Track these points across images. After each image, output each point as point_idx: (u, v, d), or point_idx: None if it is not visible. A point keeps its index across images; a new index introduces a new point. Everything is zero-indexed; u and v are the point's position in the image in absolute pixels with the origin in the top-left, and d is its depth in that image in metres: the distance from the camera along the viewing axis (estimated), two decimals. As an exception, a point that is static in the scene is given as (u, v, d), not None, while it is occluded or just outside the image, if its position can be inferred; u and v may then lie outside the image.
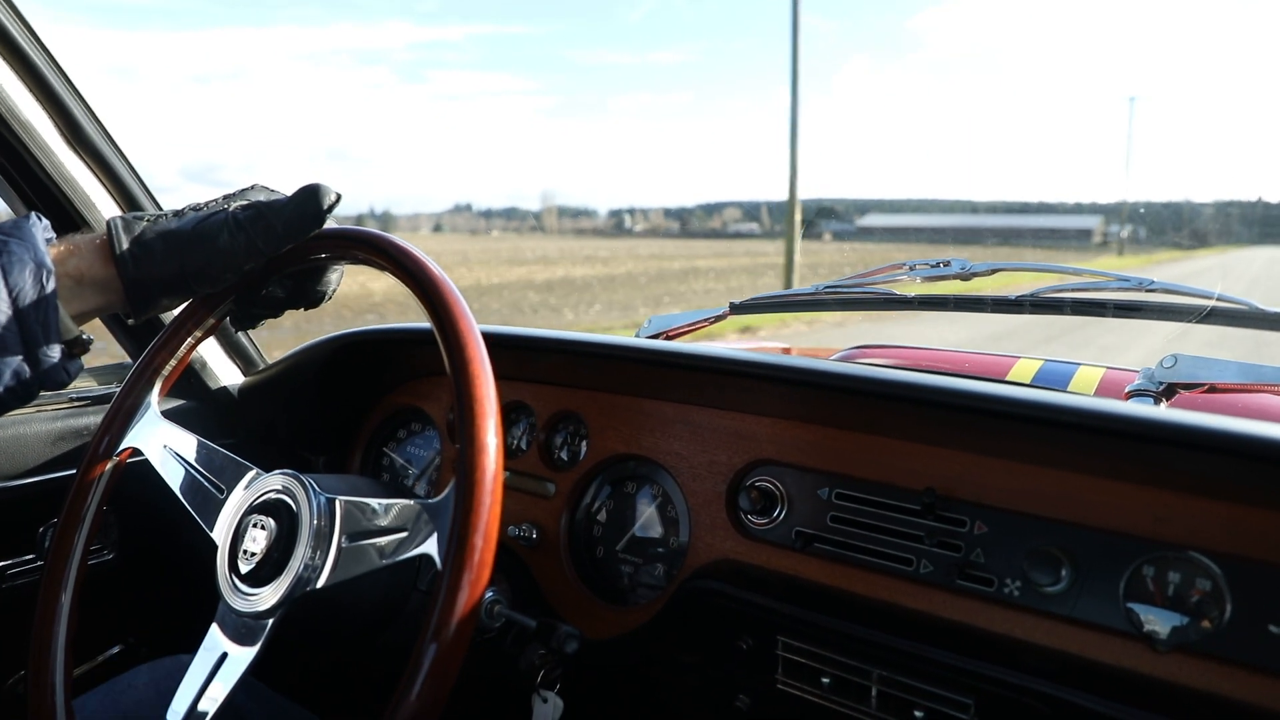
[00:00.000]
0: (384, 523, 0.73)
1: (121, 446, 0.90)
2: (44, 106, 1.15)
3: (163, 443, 0.89)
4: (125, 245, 0.76)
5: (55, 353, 0.73)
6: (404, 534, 0.72)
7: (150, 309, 0.81)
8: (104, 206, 1.23)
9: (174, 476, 0.87)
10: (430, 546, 0.70)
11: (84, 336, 0.76)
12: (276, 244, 0.80)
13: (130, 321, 0.86)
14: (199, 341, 0.93)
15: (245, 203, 0.80)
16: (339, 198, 0.81)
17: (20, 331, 0.71)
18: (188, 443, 0.88)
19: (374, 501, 0.74)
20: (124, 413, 0.91)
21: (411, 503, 0.73)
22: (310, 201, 0.79)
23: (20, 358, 0.71)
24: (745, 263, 30.40)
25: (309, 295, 0.89)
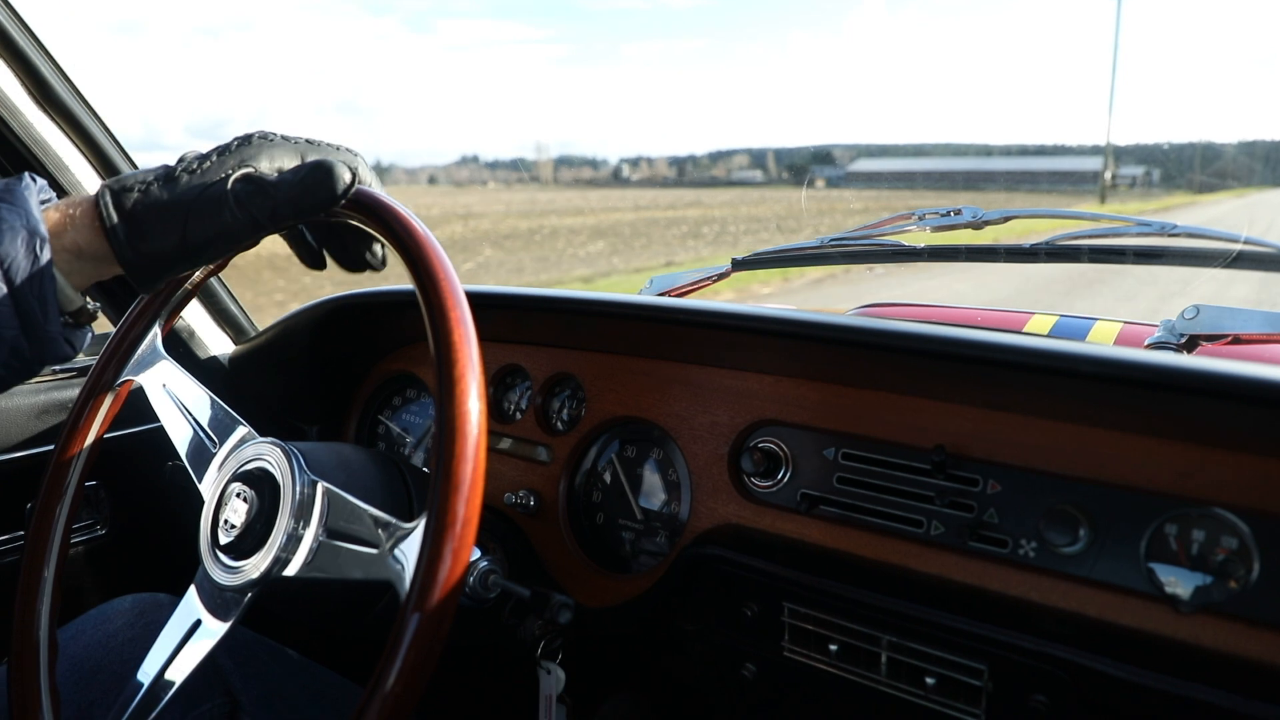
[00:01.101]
0: (362, 530, 0.70)
1: (121, 378, 0.87)
2: (9, 65, 1.10)
3: (162, 382, 0.86)
4: (116, 221, 0.70)
5: (56, 325, 0.69)
6: (377, 551, 0.69)
7: (156, 283, 0.75)
8: (77, 168, 1.19)
9: (170, 419, 0.84)
10: (401, 571, 0.66)
11: (88, 306, 0.72)
12: (280, 224, 0.73)
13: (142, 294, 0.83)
14: (215, 271, 0.88)
15: (246, 173, 0.72)
16: (354, 177, 0.72)
17: (15, 304, 0.66)
18: (186, 387, 0.85)
19: (354, 501, 0.71)
20: (128, 343, 0.87)
21: (391, 519, 0.69)
22: (322, 185, 0.71)
23: (17, 332, 0.67)
24: (629, 219, 27.92)
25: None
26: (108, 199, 0.70)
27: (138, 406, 0.89)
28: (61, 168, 1.16)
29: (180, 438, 0.83)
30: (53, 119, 1.15)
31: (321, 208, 0.73)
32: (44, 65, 1.11)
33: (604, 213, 32.34)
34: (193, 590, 0.75)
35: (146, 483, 1.26)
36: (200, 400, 0.84)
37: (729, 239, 20.21)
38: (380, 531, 0.69)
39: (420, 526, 0.66)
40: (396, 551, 0.68)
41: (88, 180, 1.19)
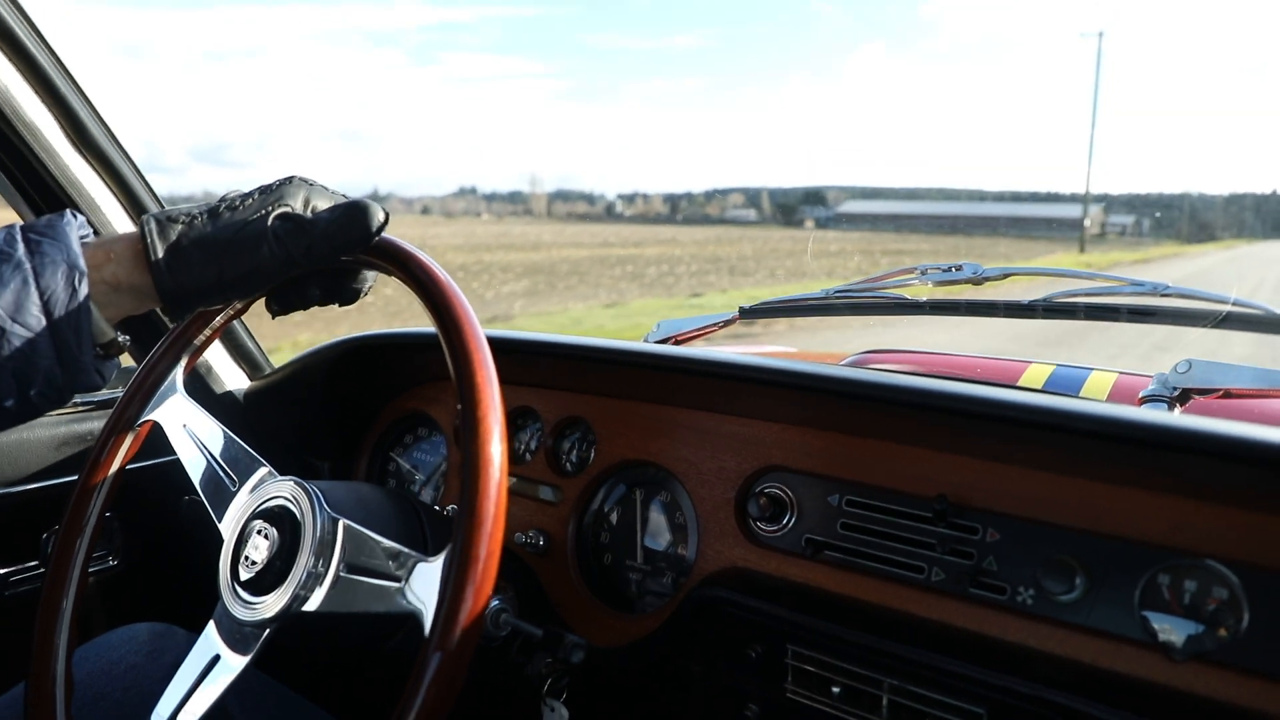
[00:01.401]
0: (382, 564, 0.72)
1: (144, 417, 0.89)
2: (49, 108, 1.14)
3: (183, 421, 0.88)
4: (160, 254, 0.73)
5: (88, 356, 0.71)
6: (397, 585, 0.71)
7: (187, 313, 0.80)
8: (109, 210, 1.22)
9: (190, 458, 0.86)
10: (421, 604, 0.68)
11: (119, 339, 0.74)
12: (315, 262, 0.77)
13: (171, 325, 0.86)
14: (237, 314, 0.90)
15: (284, 211, 0.76)
16: (388, 218, 0.77)
17: (52, 335, 0.69)
18: (206, 426, 0.87)
19: (375, 536, 0.73)
20: (151, 381, 0.89)
21: (411, 553, 0.71)
22: (357, 223, 0.76)
23: (52, 361, 0.69)
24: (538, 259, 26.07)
25: (345, 292, 0.85)
26: (153, 228, 0.73)
27: (153, 440, 0.91)
28: (94, 207, 1.19)
29: (199, 475, 0.85)
30: (87, 160, 1.18)
31: (355, 245, 0.77)
32: (81, 108, 1.15)
33: (559, 248, 31.03)
34: (212, 625, 0.76)
35: (159, 516, 1.28)
36: (220, 440, 0.86)
37: (669, 281, 19.27)
38: (400, 565, 0.71)
39: (442, 560, 0.68)
40: (417, 585, 0.70)
41: (118, 220, 1.22)
